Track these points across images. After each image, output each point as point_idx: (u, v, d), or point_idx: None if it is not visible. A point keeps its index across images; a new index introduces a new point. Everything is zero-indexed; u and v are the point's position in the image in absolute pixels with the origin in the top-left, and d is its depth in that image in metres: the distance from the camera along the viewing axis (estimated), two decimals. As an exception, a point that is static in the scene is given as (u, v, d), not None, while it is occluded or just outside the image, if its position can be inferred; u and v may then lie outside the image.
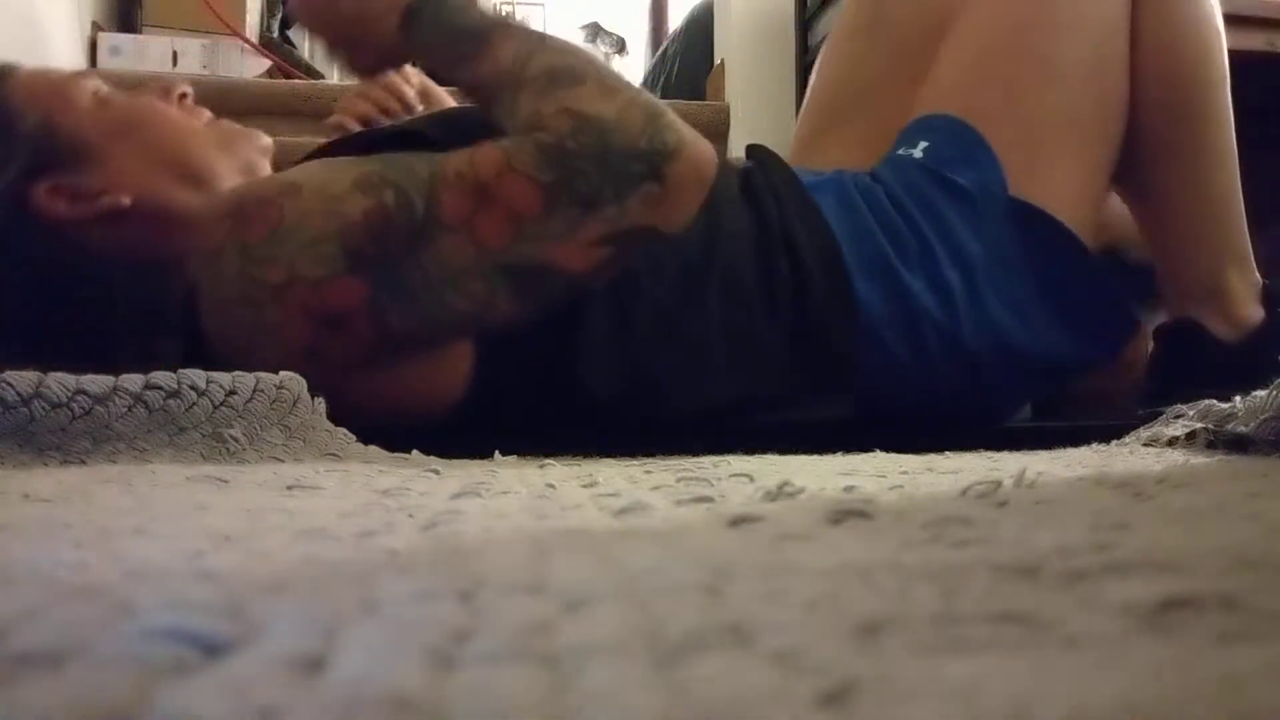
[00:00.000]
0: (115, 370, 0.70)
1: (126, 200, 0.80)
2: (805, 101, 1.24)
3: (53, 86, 0.83)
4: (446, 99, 1.15)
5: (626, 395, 0.84)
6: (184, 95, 0.88)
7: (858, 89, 1.15)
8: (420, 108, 1.12)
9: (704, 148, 0.82)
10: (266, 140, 0.91)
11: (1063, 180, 0.97)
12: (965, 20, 1.04)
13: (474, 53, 0.83)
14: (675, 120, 0.81)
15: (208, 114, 0.90)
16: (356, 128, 1.06)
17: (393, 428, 0.77)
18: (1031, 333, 0.93)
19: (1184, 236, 1.07)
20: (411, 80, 1.11)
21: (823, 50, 1.24)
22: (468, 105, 0.90)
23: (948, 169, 0.96)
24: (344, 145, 0.91)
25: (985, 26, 1.02)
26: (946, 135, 0.98)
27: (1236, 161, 1.05)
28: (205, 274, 0.78)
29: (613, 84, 0.82)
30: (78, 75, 0.87)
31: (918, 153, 0.98)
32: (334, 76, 2.62)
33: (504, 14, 0.88)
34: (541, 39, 0.85)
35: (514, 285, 0.79)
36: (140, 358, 0.77)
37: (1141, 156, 1.03)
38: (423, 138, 0.86)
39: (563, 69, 0.81)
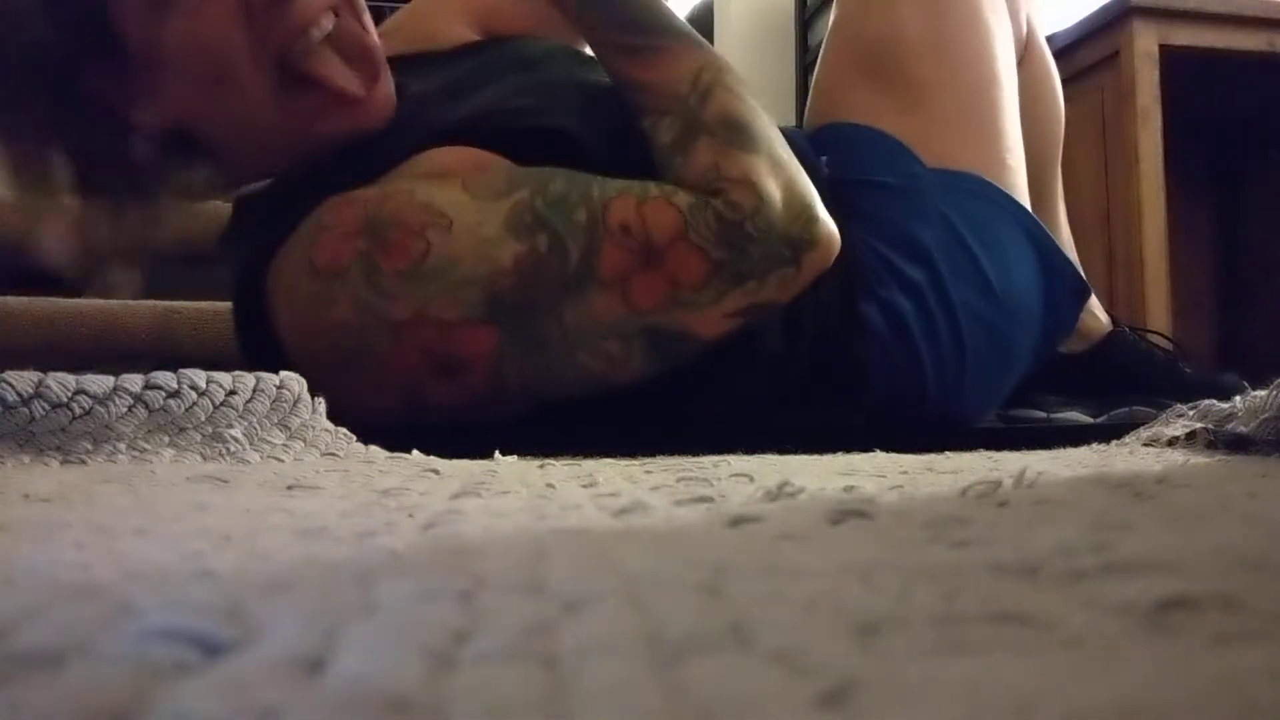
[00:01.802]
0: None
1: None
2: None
3: None
4: None
5: (656, 403, 0.84)
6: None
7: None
8: None
9: (834, 236, 0.80)
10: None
11: (971, 140, 0.99)
12: (833, 32, 1.06)
13: (644, 49, 0.79)
14: (820, 208, 0.79)
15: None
16: None
17: (394, 428, 0.77)
18: (994, 303, 0.94)
19: None
20: None
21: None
22: (611, 93, 0.85)
23: (862, 172, 0.96)
24: (472, 129, 0.84)
25: (850, 33, 1.04)
26: (843, 142, 0.99)
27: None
28: (311, 288, 0.74)
29: (780, 155, 0.80)
30: None
31: (824, 171, 0.98)
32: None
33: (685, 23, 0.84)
34: (720, 69, 0.81)
35: (649, 348, 0.75)
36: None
37: None
38: (565, 137, 0.81)
39: (742, 125, 0.78)
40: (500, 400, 0.76)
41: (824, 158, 0.99)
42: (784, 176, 0.78)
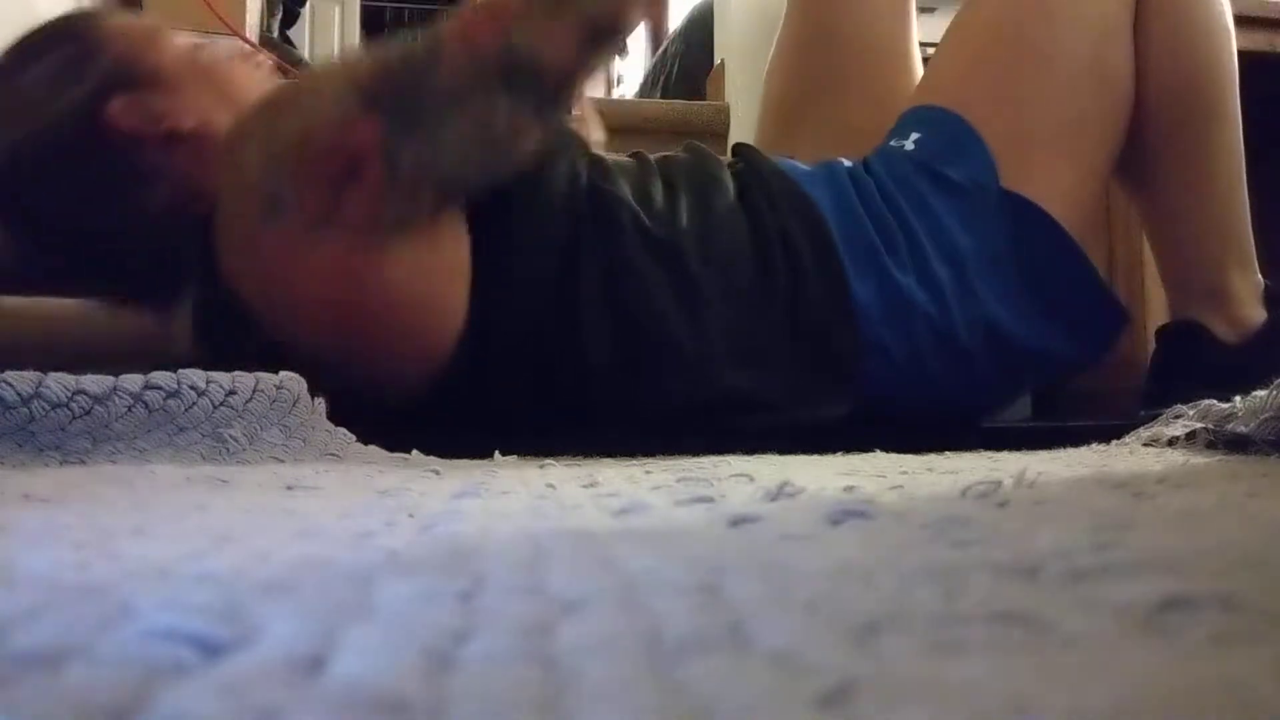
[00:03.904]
0: (132, 287, 0.82)
1: (189, 123, 0.86)
2: (759, 115, 1.29)
3: (143, 27, 0.92)
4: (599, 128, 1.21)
5: (627, 383, 0.84)
6: (261, 64, 0.97)
7: (807, 99, 1.21)
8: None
9: None
10: None
11: (1056, 175, 0.97)
12: (965, 13, 1.04)
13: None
14: None
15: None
16: None
17: (392, 405, 0.78)
18: (1023, 326, 0.93)
19: (1187, 235, 1.07)
20: None
21: (768, 65, 1.28)
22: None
23: (939, 162, 0.96)
24: None
25: (984, 21, 1.02)
26: (938, 128, 0.99)
27: (1243, 163, 1.06)
28: (228, 161, 0.81)
29: None
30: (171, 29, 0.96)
31: (909, 145, 0.98)
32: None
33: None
34: None
35: (508, 87, 0.80)
36: (158, 282, 0.86)
37: (1147, 154, 1.04)
38: None
39: None
40: (405, 195, 0.80)
41: (916, 135, 0.99)
42: None
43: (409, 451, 0.73)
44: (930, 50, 1.14)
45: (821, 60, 1.21)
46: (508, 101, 0.80)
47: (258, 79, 0.93)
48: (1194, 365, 1.04)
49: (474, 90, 0.80)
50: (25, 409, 0.62)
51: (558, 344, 0.84)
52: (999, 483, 0.41)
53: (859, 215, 0.92)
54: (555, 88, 0.83)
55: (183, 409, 0.66)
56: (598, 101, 1.26)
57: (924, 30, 1.39)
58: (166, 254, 0.85)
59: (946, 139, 0.98)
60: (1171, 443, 0.69)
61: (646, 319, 0.85)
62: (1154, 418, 0.78)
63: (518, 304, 0.83)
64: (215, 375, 0.69)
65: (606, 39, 0.84)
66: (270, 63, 0.97)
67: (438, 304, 0.82)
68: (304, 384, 0.72)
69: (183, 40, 0.91)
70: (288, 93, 0.85)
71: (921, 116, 1.01)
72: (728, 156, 1.01)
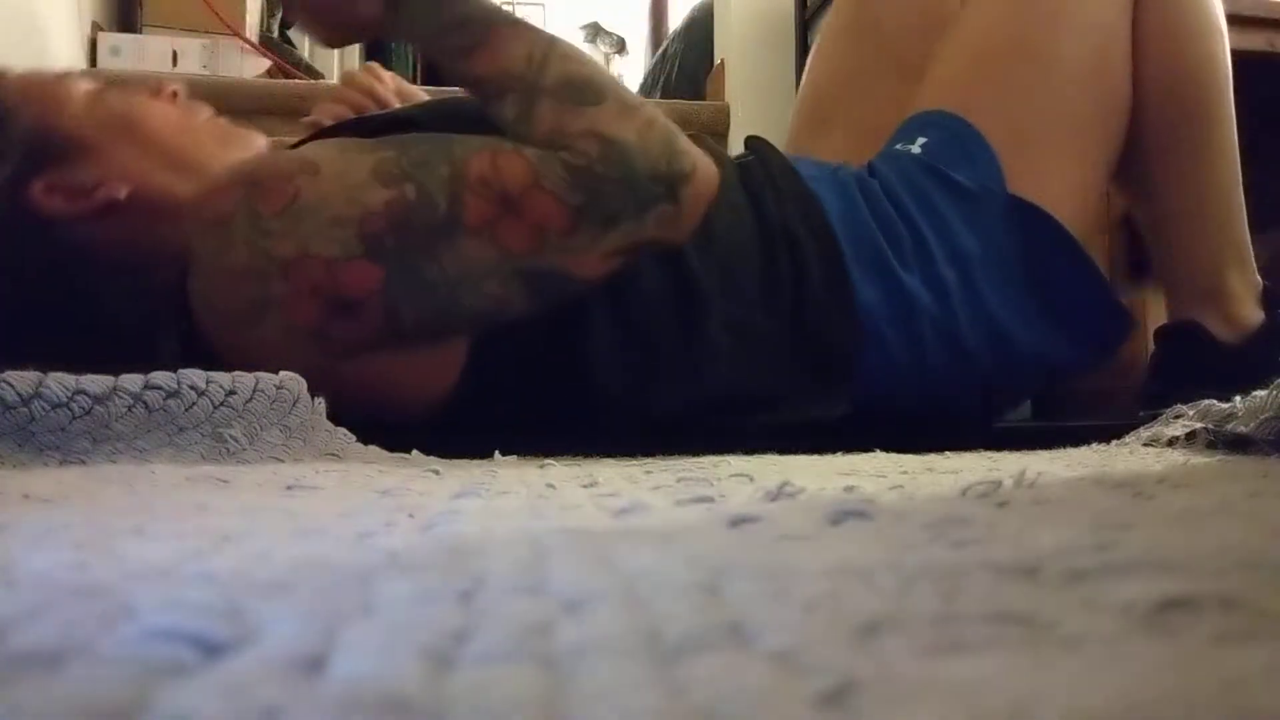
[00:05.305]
0: (112, 367, 0.68)
1: (123, 191, 0.79)
2: (797, 101, 1.27)
3: (44, 87, 0.83)
4: (422, 98, 1.13)
5: (628, 385, 0.84)
6: (175, 93, 0.87)
7: (846, 89, 1.19)
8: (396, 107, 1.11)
9: (711, 168, 0.84)
10: (264, 140, 0.90)
11: (1061, 178, 0.97)
12: (967, 18, 1.04)
13: (473, 46, 0.82)
14: (687, 142, 0.83)
15: (207, 110, 0.89)
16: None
17: (390, 424, 0.77)
18: (1028, 329, 0.93)
19: (1184, 236, 1.07)
20: (386, 81, 1.10)
21: (812, 51, 1.27)
22: (462, 96, 0.89)
23: (946, 165, 0.96)
24: (338, 131, 0.90)
25: (987, 26, 1.02)
26: (945, 132, 0.99)
27: (1238, 163, 1.06)
28: (209, 244, 0.77)
29: (630, 101, 0.83)
30: (69, 75, 0.87)
31: (916, 149, 0.98)
32: (334, 76, 2.61)
33: (506, 9, 0.88)
34: (551, 41, 0.84)
35: (529, 288, 0.79)
36: (136, 354, 0.75)
37: (1143, 156, 1.04)
38: (417, 126, 0.85)
39: (582, 82, 0.81)
40: (402, 336, 0.78)
41: (923, 140, 0.99)
42: (639, 119, 0.81)
43: (409, 451, 0.73)
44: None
45: (864, 53, 1.20)
46: (523, 294, 0.79)
47: (175, 115, 0.86)
48: (1193, 365, 1.04)
49: (490, 280, 0.78)
50: (25, 409, 0.62)
51: (562, 353, 0.83)
52: (999, 483, 0.41)
53: (864, 216, 0.92)
54: (578, 291, 0.81)
55: (183, 409, 0.66)
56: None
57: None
58: (135, 315, 0.80)
59: (954, 143, 0.98)
60: (1171, 443, 0.69)
61: (650, 326, 0.84)
62: (1154, 418, 0.78)
63: (519, 327, 0.81)
64: (215, 375, 0.68)
65: (639, 255, 0.82)
66: (183, 89, 0.88)
67: (434, 356, 0.81)
68: (304, 384, 0.72)
69: (85, 87, 0.83)
70: (279, 180, 0.78)
71: (927, 121, 1.01)
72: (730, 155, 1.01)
